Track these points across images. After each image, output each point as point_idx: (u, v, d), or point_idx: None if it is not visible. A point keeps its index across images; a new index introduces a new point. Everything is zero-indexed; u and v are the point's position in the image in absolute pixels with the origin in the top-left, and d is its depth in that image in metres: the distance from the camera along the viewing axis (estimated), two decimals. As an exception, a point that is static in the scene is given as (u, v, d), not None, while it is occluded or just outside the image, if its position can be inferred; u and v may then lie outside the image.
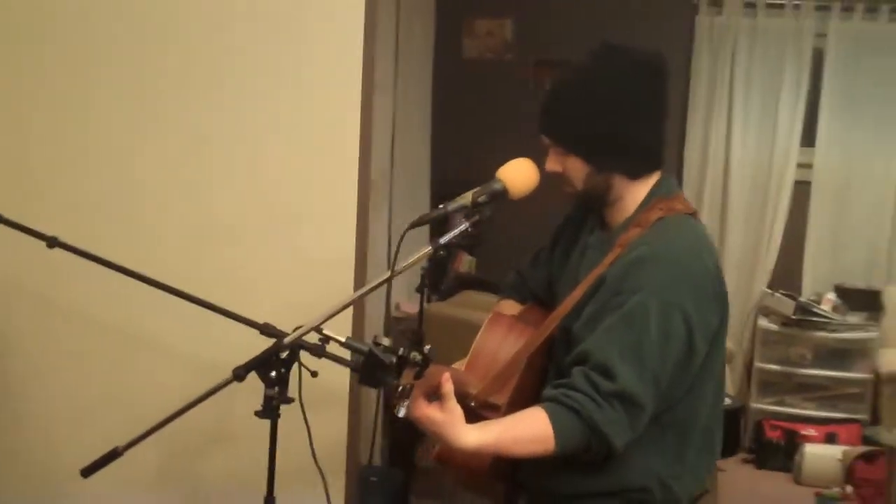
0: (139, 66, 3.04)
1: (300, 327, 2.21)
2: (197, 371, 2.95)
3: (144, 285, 2.52)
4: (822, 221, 6.82)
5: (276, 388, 2.19)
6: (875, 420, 6.26)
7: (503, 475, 2.21)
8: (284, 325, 2.37)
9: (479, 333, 2.26)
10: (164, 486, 3.01)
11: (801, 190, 6.78)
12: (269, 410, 2.22)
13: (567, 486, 2.13)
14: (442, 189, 6.35)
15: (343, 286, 2.93)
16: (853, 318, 6.48)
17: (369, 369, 1.82)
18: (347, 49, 2.95)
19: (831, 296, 6.55)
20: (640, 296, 1.99)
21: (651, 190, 2.15)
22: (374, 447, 4.29)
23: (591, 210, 2.24)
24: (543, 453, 1.96)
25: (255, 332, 2.52)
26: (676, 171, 6.68)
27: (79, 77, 3.04)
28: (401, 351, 1.81)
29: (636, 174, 2.14)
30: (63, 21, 3.02)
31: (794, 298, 6.42)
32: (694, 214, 2.18)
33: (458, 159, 6.62)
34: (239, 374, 2.17)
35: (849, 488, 5.53)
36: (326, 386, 2.34)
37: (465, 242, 6.66)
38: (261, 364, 2.19)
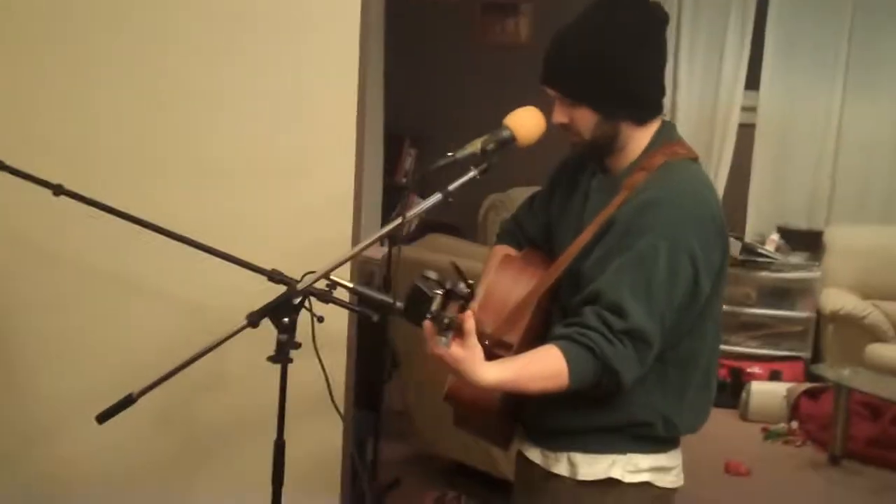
0: (143, 20, 3.01)
1: (309, 273, 2.22)
2: (191, 316, 2.96)
3: (141, 234, 2.52)
4: (766, 164, 6.96)
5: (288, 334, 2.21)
6: (817, 357, 6.45)
7: (508, 414, 2.26)
8: (285, 270, 2.40)
9: (491, 274, 2.28)
10: (164, 431, 3.02)
11: (746, 132, 6.91)
12: (282, 355, 2.23)
13: (573, 421, 2.18)
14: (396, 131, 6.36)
15: (341, 231, 2.95)
16: (795, 259, 6.66)
17: (415, 304, 1.83)
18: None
19: (775, 236, 6.72)
20: (650, 237, 2.03)
21: (654, 135, 2.19)
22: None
23: (594, 157, 2.26)
24: (557, 389, 2.00)
25: (246, 276, 2.53)
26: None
27: (81, 32, 3.02)
28: (448, 284, 1.81)
29: (642, 120, 2.17)
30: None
31: (738, 239, 6.55)
32: (695, 159, 2.22)
33: (410, 103, 6.62)
34: (253, 321, 2.18)
35: (794, 423, 5.71)
36: (327, 329, 2.36)
37: (416, 187, 6.67)
38: (274, 310, 2.20)
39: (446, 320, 1.82)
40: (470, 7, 7.00)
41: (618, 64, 2.11)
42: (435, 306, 1.81)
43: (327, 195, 3.00)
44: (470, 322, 1.90)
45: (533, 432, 2.31)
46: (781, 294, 6.57)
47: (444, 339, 1.84)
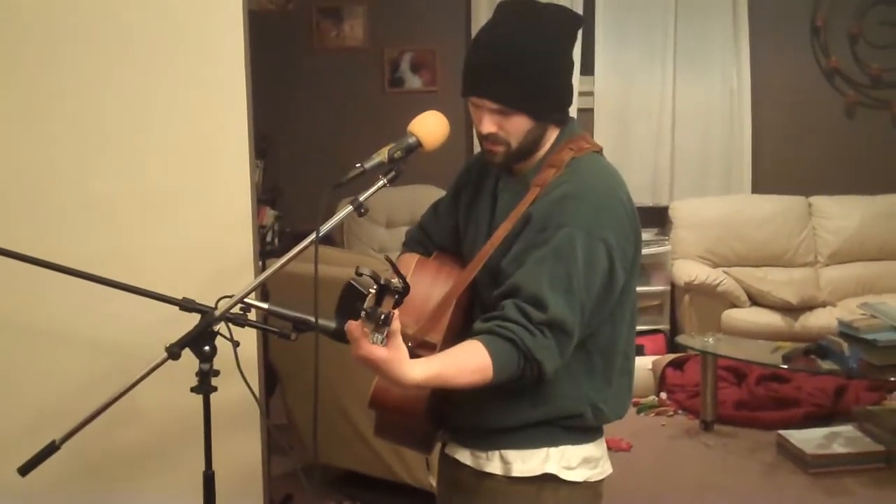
0: (32, 56, 2.89)
1: (224, 298, 2.18)
2: (96, 354, 2.84)
3: (36, 274, 2.41)
4: (608, 146, 7.00)
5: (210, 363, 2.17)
6: (675, 329, 6.68)
7: (433, 418, 2.25)
8: (194, 297, 2.33)
9: (409, 277, 2.28)
10: (81, 475, 2.89)
11: (585, 117, 7.08)
12: (204, 385, 2.18)
13: (505, 420, 2.19)
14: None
15: (243, 252, 2.89)
16: (646, 235, 6.85)
17: (348, 301, 1.80)
18: (228, 23, 2.98)
19: (623, 215, 6.90)
20: (567, 230, 2.07)
21: (560, 132, 2.23)
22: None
23: (515, 162, 2.26)
24: (481, 383, 2.01)
25: (142, 308, 2.45)
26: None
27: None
28: (382, 280, 1.79)
29: (565, 121, 2.21)
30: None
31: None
32: (600, 151, 2.27)
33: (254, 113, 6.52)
34: (174, 352, 2.11)
35: (663, 395, 5.90)
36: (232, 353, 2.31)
37: (265, 197, 6.60)
38: (195, 339, 2.15)
39: (382, 316, 1.79)
40: (307, 13, 6.95)
41: (552, 67, 2.13)
42: (368, 302, 1.79)
43: (226, 217, 2.93)
44: (395, 322, 1.88)
45: (461, 434, 2.31)
46: (636, 271, 6.76)
47: (379, 335, 1.81)
